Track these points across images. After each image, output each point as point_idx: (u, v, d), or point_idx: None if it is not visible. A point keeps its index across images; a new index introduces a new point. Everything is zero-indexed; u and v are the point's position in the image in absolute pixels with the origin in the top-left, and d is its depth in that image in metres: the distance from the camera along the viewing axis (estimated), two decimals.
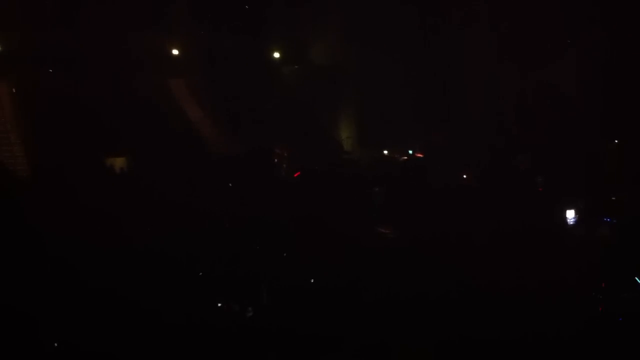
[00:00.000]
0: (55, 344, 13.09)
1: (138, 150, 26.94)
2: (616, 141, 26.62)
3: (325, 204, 22.66)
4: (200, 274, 16.64)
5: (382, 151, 32.86)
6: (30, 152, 26.32)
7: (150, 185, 23.35)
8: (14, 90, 28.04)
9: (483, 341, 13.49)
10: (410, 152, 32.47)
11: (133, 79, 28.50)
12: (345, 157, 32.22)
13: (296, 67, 34.21)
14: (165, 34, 30.57)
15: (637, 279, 15.93)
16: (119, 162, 27.94)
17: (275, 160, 29.22)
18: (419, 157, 32.13)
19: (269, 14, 31.43)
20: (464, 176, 27.90)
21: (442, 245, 19.27)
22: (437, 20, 30.35)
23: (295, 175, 27.91)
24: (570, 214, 22.55)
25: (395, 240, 21.27)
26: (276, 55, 33.75)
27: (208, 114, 30.99)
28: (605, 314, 15.26)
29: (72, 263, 15.99)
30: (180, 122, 29.84)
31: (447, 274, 16.91)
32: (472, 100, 29.31)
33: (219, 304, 15.04)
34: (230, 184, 24.58)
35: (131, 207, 20.33)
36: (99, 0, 28.22)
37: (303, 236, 19.61)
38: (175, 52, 31.44)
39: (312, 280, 16.99)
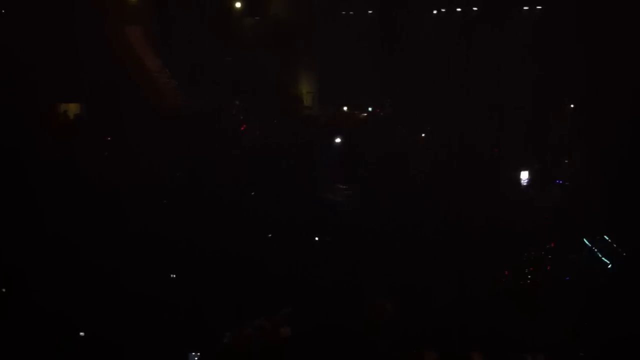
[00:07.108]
0: None
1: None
2: (572, 105, 27.04)
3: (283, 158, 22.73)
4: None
5: (342, 107, 32.83)
6: None
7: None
8: None
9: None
10: (370, 109, 32.51)
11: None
12: (305, 112, 32.15)
13: (257, 18, 33.62)
14: None
15: (584, 240, 16.43)
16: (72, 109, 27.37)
17: (234, 114, 28.91)
18: (378, 113, 32.20)
19: None
20: (422, 135, 28.16)
21: (398, 204, 19.58)
22: None
23: (242, 128, 27.66)
24: (524, 175, 23.09)
25: (352, 196, 21.51)
26: (237, 5, 33.04)
27: (163, 66, 30.19)
28: (552, 273, 15.73)
29: None
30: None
31: (400, 232, 17.24)
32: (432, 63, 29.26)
33: None
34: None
35: None
36: None
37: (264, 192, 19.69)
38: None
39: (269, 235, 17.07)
